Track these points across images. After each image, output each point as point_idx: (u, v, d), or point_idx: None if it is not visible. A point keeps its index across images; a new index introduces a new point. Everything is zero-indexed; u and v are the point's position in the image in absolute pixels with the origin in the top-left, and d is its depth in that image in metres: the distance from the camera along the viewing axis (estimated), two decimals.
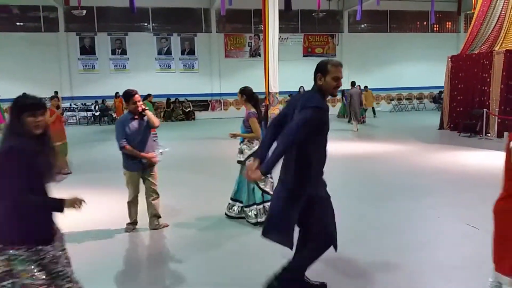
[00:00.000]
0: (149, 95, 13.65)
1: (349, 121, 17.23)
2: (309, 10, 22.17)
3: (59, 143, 8.57)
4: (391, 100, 24.60)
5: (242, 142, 5.14)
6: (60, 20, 21.25)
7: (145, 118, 4.88)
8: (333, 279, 3.56)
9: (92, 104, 21.18)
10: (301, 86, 18.55)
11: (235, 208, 5.29)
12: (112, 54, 22.02)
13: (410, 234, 4.71)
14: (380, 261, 3.96)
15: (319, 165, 3.15)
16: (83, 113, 21.05)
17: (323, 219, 3.17)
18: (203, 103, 22.68)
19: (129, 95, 4.83)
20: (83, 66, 21.74)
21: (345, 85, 18.55)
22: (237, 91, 5.25)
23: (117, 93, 19.43)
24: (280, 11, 13.21)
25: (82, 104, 20.89)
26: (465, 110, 13.66)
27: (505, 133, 2.52)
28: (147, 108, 4.93)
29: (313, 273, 3.46)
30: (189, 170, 8.83)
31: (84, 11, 17.47)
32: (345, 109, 20.29)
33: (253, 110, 5.02)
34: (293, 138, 2.84)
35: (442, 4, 22.31)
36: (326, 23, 23.72)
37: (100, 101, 20.81)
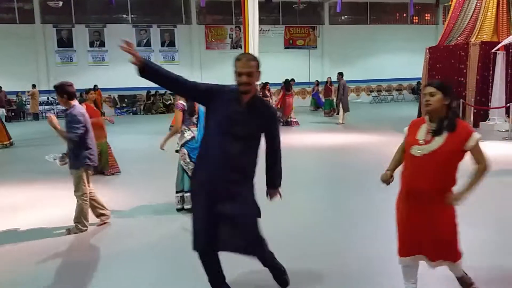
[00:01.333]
0: None
1: (328, 113, 17.24)
2: (290, 1, 22.19)
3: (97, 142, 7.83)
4: (371, 91, 24.89)
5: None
6: (35, 12, 20.74)
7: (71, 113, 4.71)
8: (303, 266, 3.67)
9: None
10: (287, 79, 18.39)
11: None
12: (90, 46, 21.64)
13: (380, 223, 4.80)
14: (350, 249, 4.09)
15: (206, 149, 2.93)
16: (61, 107, 20.68)
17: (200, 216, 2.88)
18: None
19: None
20: (61, 59, 21.32)
21: (332, 76, 18.63)
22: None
23: (95, 86, 19.13)
24: (260, 3, 13.16)
25: None
26: None
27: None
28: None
29: (285, 260, 3.52)
30: (164, 162, 8.72)
31: (61, 3, 17.13)
32: (314, 101, 20.22)
33: (181, 101, 5.16)
34: None
35: None
36: (307, 15, 23.77)
37: (78, 94, 20.47)
